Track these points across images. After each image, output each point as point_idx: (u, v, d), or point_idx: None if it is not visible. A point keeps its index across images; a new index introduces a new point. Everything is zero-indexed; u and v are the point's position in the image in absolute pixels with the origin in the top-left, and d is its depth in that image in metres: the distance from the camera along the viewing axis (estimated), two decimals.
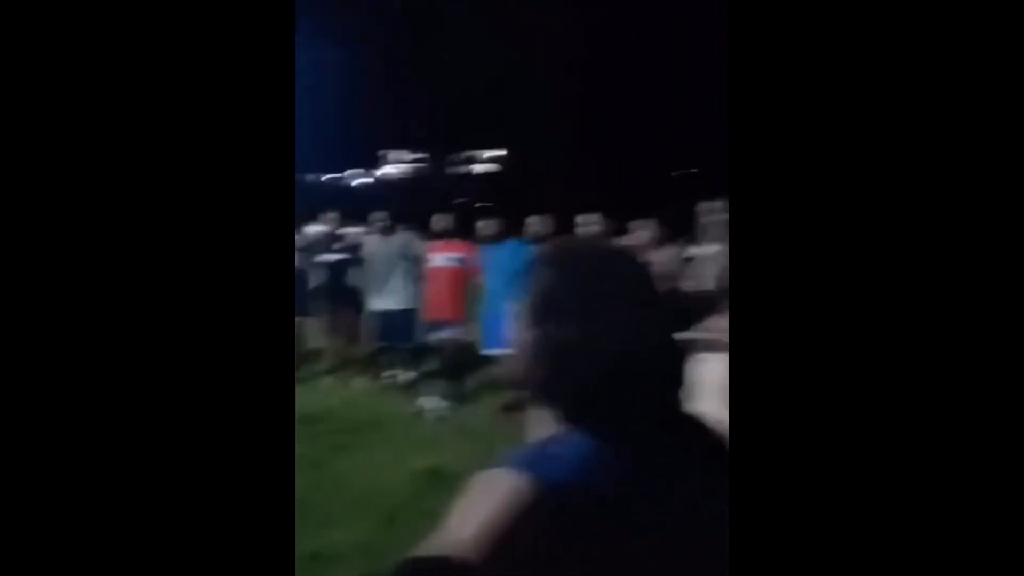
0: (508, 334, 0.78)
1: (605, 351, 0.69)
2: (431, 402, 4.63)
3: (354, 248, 5.40)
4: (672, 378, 0.74)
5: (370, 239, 5.20)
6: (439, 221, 4.97)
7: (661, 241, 3.76)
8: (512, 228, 4.83)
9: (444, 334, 4.86)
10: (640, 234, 3.85)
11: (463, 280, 4.87)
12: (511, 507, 0.61)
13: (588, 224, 4.18)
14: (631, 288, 0.72)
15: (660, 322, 0.73)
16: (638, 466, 0.67)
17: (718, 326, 0.99)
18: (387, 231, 5.19)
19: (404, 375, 5.23)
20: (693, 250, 3.44)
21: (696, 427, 0.77)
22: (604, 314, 0.70)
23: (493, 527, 0.60)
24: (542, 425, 0.71)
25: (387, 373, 5.34)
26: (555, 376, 0.70)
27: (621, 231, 4.11)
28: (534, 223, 4.56)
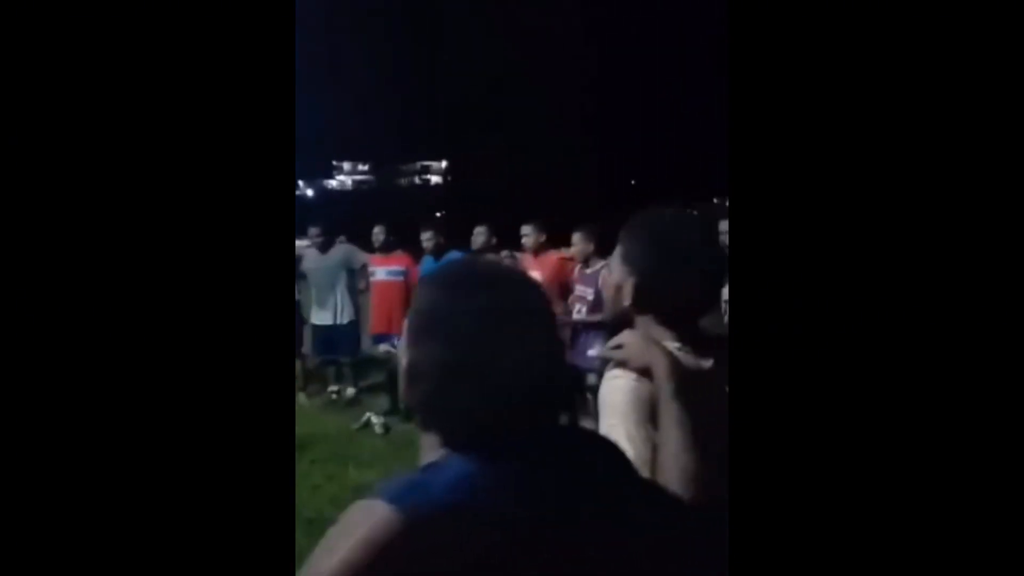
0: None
1: (488, 371, 0.68)
2: (376, 416, 4.57)
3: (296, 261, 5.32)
4: (560, 397, 0.74)
5: (309, 252, 5.12)
6: (380, 234, 4.94)
7: (599, 252, 3.81)
8: (456, 240, 4.84)
9: (388, 347, 4.82)
10: (580, 247, 3.89)
11: (406, 293, 4.85)
12: (376, 540, 0.60)
13: (528, 235, 4.21)
14: (517, 308, 0.71)
15: (547, 342, 0.72)
16: (528, 486, 0.66)
17: (630, 341, 1.01)
18: (326, 244, 5.12)
19: (348, 389, 5.15)
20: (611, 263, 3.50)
21: (592, 443, 0.78)
22: (487, 334, 0.68)
23: (355, 562, 0.59)
24: (431, 449, 0.70)
25: (331, 388, 5.25)
26: (437, 397, 0.69)
27: (563, 242, 4.16)
28: (480, 234, 4.57)
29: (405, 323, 0.74)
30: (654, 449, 0.91)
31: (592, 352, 3.67)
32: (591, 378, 3.69)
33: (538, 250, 4.21)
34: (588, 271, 3.82)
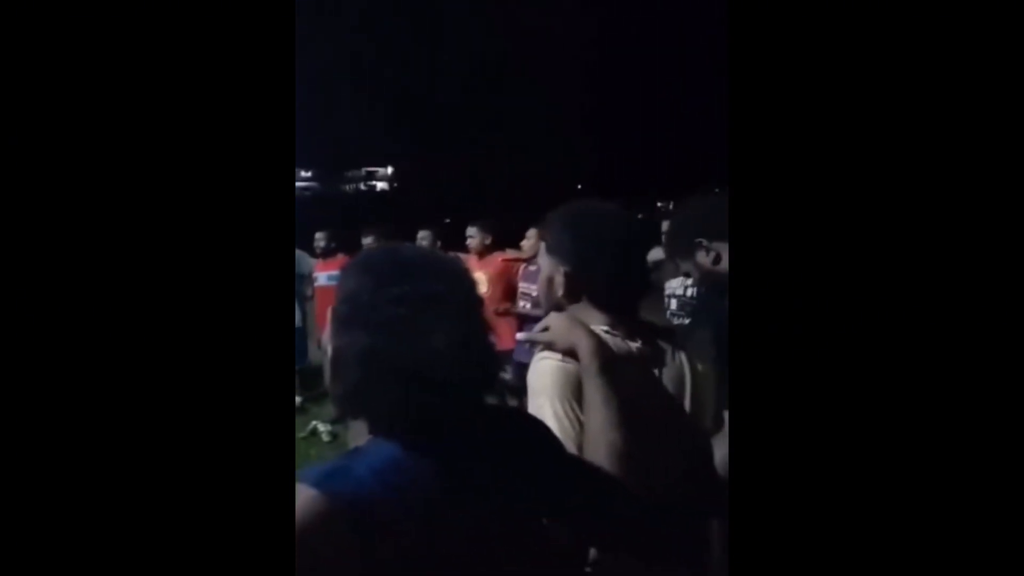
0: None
1: (409, 357, 0.68)
2: (323, 424, 4.50)
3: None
4: (484, 379, 0.74)
5: None
6: (321, 240, 4.87)
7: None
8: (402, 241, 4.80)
9: None
10: (532, 243, 3.92)
11: None
12: (299, 523, 0.61)
13: (473, 236, 4.23)
14: (437, 292, 0.71)
15: (468, 324, 0.72)
16: (453, 467, 0.67)
17: (556, 323, 1.03)
18: None
19: (295, 396, 5.06)
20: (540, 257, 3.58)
21: (518, 422, 0.80)
22: (407, 320, 0.68)
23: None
24: (358, 436, 0.71)
25: None
26: (361, 385, 0.69)
27: (512, 244, 4.19)
28: (423, 238, 4.56)
29: (329, 313, 0.74)
30: (581, 426, 0.94)
31: (520, 336, 3.69)
32: None
33: (483, 252, 4.22)
34: (532, 268, 3.86)
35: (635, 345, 1.07)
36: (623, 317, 1.09)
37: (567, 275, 1.09)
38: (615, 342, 1.04)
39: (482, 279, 4.16)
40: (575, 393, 0.97)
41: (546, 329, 1.03)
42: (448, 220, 4.74)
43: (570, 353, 0.99)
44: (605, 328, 1.06)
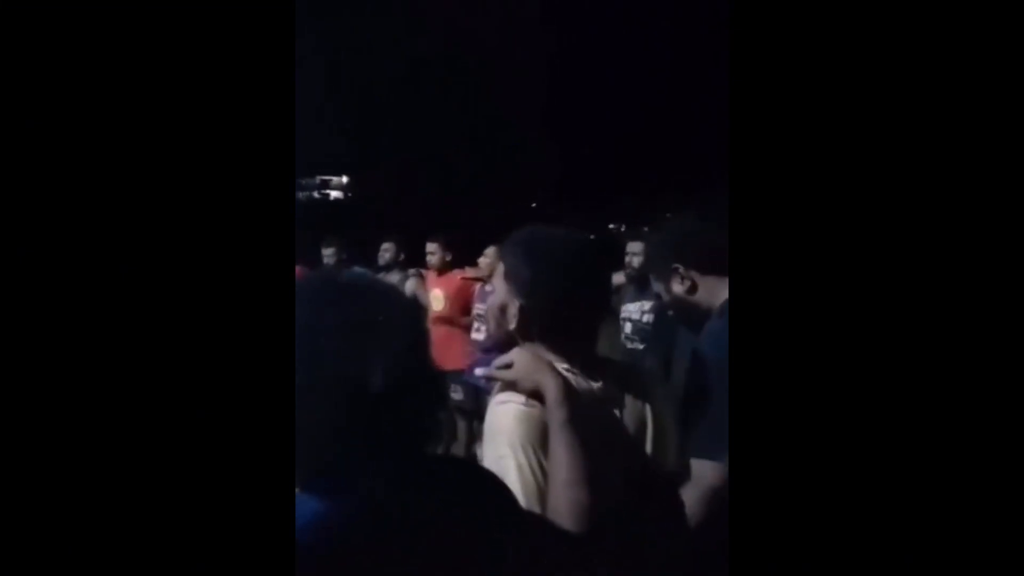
0: None
1: (338, 394, 0.64)
2: None
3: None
4: (422, 422, 0.70)
5: None
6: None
7: None
8: (362, 254, 4.72)
9: None
10: (489, 261, 3.88)
11: None
12: None
13: (433, 253, 4.18)
14: (372, 321, 0.67)
15: (405, 358, 0.68)
16: (384, 524, 0.63)
17: (520, 361, 0.98)
18: None
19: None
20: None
21: (469, 475, 0.75)
22: (340, 352, 0.65)
23: None
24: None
25: None
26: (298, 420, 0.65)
27: (472, 258, 4.15)
28: (387, 250, 4.47)
29: None
30: (545, 479, 0.88)
31: (479, 371, 3.65)
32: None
33: (443, 269, 4.18)
34: (489, 289, 3.83)
35: (596, 385, 1.03)
36: (582, 354, 1.05)
37: (522, 308, 1.02)
38: (576, 382, 1.00)
39: (439, 297, 4.12)
40: (540, 441, 0.91)
41: (508, 366, 0.98)
42: (408, 232, 4.62)
43: (534, 395, 0.93)
44: (566, 367, 1.01)
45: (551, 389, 0.92)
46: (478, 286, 3.92)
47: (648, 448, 1.05)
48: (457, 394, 3.98)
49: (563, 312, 1.02)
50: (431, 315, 4.18)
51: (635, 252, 3.34)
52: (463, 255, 4.24)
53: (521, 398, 0.95)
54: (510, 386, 0.97)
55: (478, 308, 3.83)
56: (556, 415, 0.89)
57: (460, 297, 4.07)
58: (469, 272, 4.11)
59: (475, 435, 3.96)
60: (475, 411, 3.85)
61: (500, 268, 1.08)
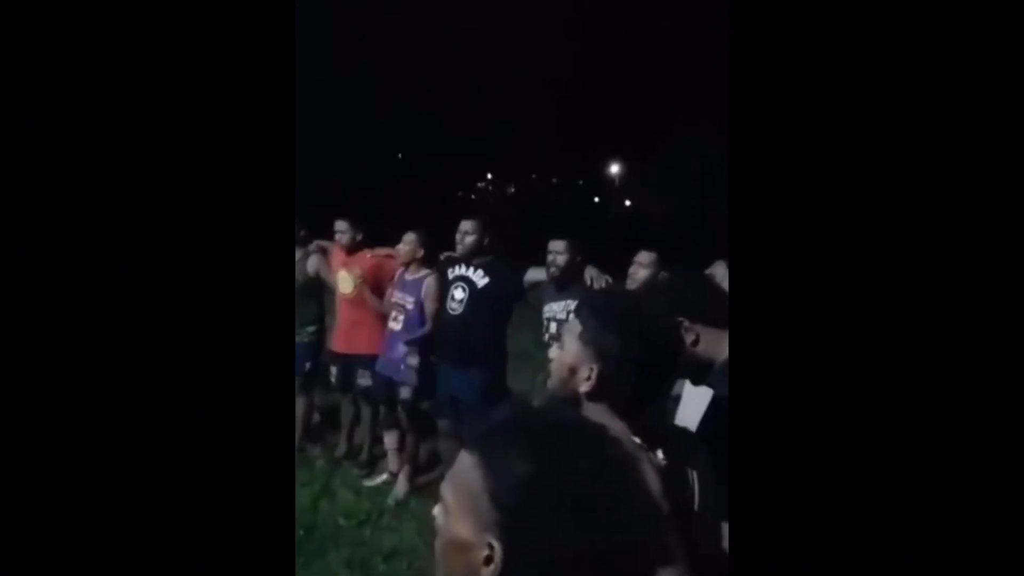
0: None
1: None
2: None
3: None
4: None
5: None
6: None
7: (426, 261, 3.72)
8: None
9: None
10: (409, 248, 3.72)
11: None
12: None
13: (343, 232, 3.97)
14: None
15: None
16: None
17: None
18: None
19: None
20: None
21: None
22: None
23: None
24: None
25: None
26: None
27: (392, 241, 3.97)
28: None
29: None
30: None
31: (412, 362, 3.58)
32: (404, 391, 3.60)
33: (352, 248, 3.98)
34: (409, 278, 3.70)
35: (659, 456, 1.04)
36: (643, 423, 1.06)
37: (600, 375, 1.02)
38: (646, 456, 1.00)
39: (347, 278, 3.94)
40: None
41: None
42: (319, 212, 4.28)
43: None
44: (638, 440, 1.01)
45: (653, 484, 0.90)
46: (398, 272, 3.78)
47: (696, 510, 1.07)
48: (365, 380, 3.86)
49: (637, 379, 1.03)
50: (339, 296, 3.99)
51: (558, 251, 3.35)
52: (376, 236, 4.05)
53: None
54: None
55: (398, 297, 3.70)
56: (660, 511, 0.87)
57: (371, 279, 3.91)
58: (381, 251, 3.95)
59: (381, 423, 3.87)
60: (385, 399, 3.75)
61: (575, 328, 1.05)
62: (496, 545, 0.60)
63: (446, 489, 0.67)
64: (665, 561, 0.67)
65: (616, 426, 1.01)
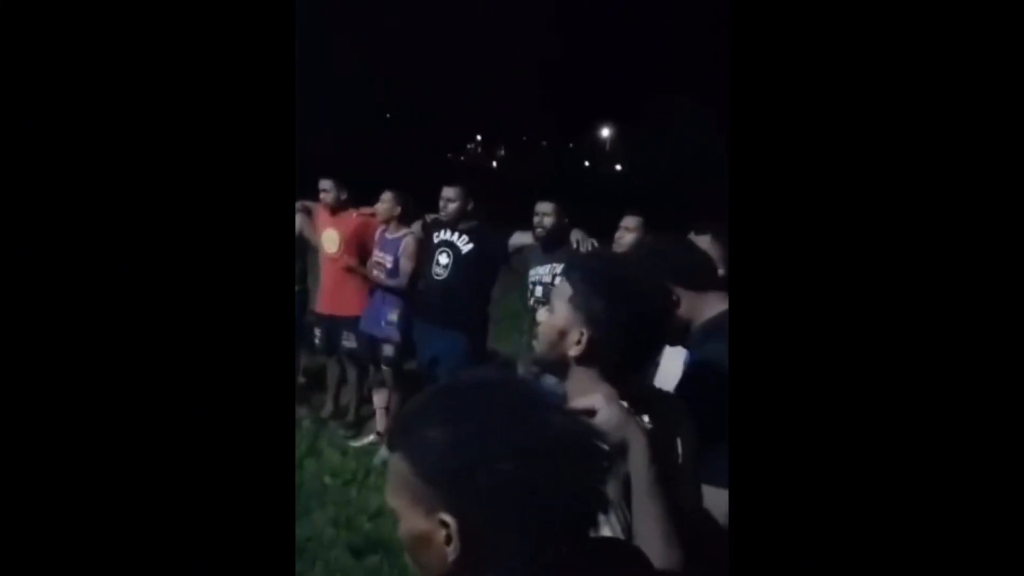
0: None
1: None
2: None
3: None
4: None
5: None
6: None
7: (404, 219, 3.68)
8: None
9: None
10: (387, 207, 3.69)
11: None
12: None
13: (328, 191, 3.91)
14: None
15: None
16: None
17: (605, 411, 0.95)
18: None
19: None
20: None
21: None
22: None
23: None
24: None
25: None
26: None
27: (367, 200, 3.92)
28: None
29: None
30: (627, 531, 0.87)
31: (392, 318, 3.57)
32: (387, 349, 3.60)
33: (337, 208, 3.93)
34: (389, 237, 3.67)
35: (646, 420, 1.02)
36: (632, 387, 1.03)
37: (591, 340, 0.99)
38: (634, 420, 0.98)
39: (333, 237, 3.89)
40: (622, 494, 0.88)
41: (591, 413, 0.93)
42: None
43: (618, 448, 0.89)
44: (625, 404, 0.98)
45: (640, 446, 0.89)
46: (379, 231, 3.74)
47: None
48: (350, 342, 3.84)
49: (626, 344, 1.00)
50: (323, 256, 3.95)
51: (545, 212, 3.32)
52: (364, 198, 3.99)
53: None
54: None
55: (378, 256, 3.67)
56: (645, 475, 0.87)
57: (356, 238, 3.87)
58: (365, 211, 3.90)
59: (370, 381, 3.87)
60: (371, 359, 3.74)
61: (564, 291, 1.02)
62: (448, 519, 0.60)
63: (388, 495, 0.67)
64: (600, 509, 0.67)
65: (605, 390, 0.99)
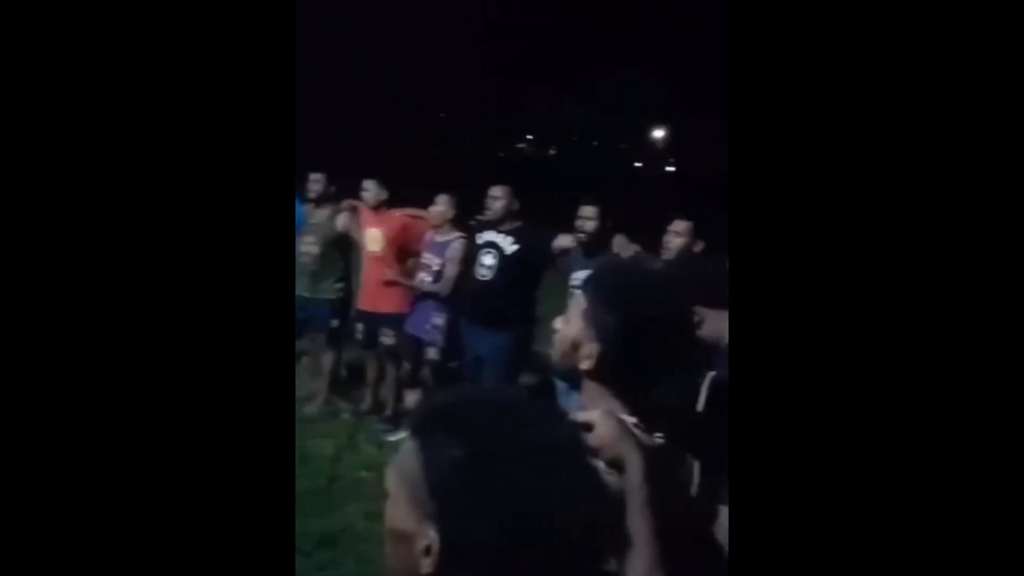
0: None
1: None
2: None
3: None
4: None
5: None
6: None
7: (456, 223, 3.71)
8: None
9: None
10: (441, 210, 3.72)
11: None
12: None
13: (369, 191, 3.96)
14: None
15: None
16: None
17: (604, 426, 0.94)
18: None
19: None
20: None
21: None
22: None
23: None
24: None
25: None
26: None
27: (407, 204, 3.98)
28: (316, 181, 4.18)
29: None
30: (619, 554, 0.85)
31: (437, 322, 3.61)
32: (431, 352, 3.63)
33: (379, 207, 3.98)
34: (439, 240, 3.70)
35: (659, 440, 1.00)
36: (643, 405, 1.02)
37: (601, 355, 0.98)
38: (646, 441, 0.96)
39: (377, 236, 3.94)
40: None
41: (588, 428, 0.93)
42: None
43: (613, 464, 0.88)
44: (634, 420, 0.97)
45: (635, 466, 0.87)
46: (428, 234, 3.77)
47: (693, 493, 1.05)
48: (388, 338, 3.89)
49: (636, 363, 0.98)
50: (367, 255, 4.01)
51: (587, 217, 3.29)
52: (404, 198, 4.05)
53: (600, 464, 0.89)
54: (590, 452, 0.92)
55: (427, 258, 3.71)
56: (638, 495, 0.85)
57: (401, 238, 3.92)
58: (415, 212, 3.95)
59: (404, 381, 3.92)
60: (410, 357, 3.79)
61: (579, 303, 1.01)
62: (434, 536, 0.57)
63: (389, 477, 0.64)
64: (623, 546, 0.65)
65: (610, 406, 0.98)
